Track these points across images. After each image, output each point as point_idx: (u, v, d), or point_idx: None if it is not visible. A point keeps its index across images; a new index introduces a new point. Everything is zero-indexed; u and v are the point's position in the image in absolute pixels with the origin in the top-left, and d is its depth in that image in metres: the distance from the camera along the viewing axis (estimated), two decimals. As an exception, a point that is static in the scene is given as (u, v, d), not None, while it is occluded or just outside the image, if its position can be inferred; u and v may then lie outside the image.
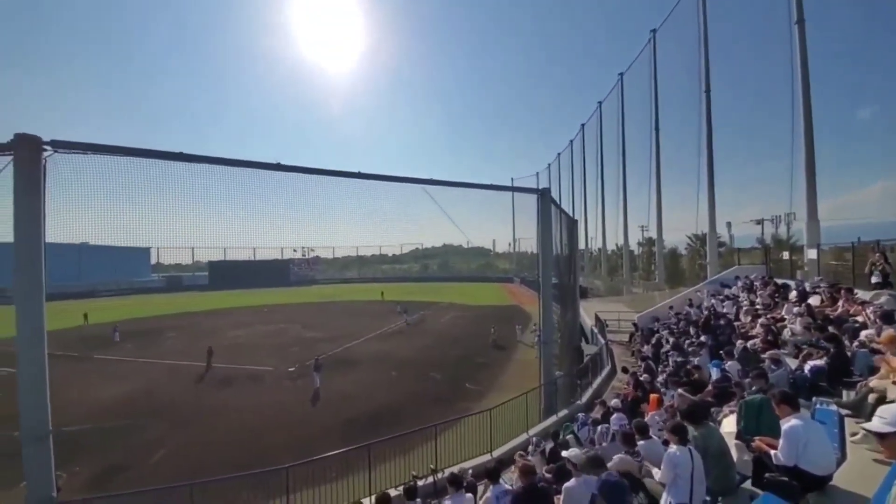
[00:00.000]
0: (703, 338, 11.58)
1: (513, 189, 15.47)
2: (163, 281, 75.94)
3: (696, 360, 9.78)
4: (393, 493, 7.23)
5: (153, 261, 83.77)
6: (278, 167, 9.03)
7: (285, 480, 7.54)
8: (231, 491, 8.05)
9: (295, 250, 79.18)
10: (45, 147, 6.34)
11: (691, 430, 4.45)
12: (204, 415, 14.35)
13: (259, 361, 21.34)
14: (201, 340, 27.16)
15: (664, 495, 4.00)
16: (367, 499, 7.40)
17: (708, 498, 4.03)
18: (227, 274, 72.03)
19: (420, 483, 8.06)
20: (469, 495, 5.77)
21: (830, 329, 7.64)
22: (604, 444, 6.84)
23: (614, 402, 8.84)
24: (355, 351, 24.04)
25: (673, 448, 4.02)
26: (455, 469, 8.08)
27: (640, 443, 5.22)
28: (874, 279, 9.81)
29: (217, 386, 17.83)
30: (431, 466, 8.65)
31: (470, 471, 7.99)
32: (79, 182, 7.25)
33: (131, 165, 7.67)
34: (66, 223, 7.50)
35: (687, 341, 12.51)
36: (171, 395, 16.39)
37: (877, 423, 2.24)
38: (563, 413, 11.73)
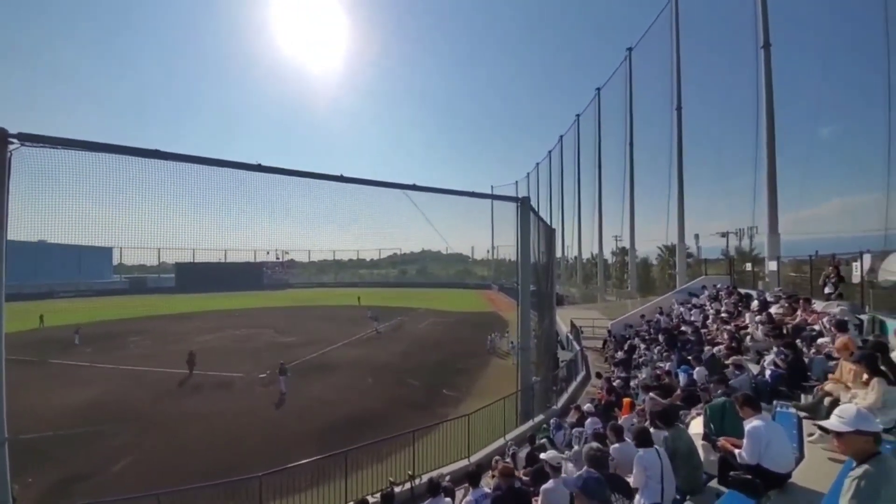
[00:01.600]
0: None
1: (493, 197, 15.73)
2: (126, 282, 72.70)
3: (665, 366, 10.15)
4: (371, 500, 7.17)
5: (115, 261, 79.95)
6: (259, 168, 8.88)
7: (258, 489, 7.34)
8: (201, 500, 7.76)
9: (268, 253, 77.17)
10: (12, 140, 6.04)
11: (661, 432, 4.66)
12: (171, 422, 13.77)
13: (229, 367, 20.67)
14: (167, 345, 26.14)
15: (637, 497, 4.15)
16: (344, 506, 7.30)
17: (678, 497, 4.20)
18: (195, 276, 69.43)
19: (397, 490, 8.02)
20: (448, 500, 5.79)
21: (786, 335, 8.11)
22: (576, 448, 7.00)
23: (587, 406, 9.06)
24: (330, 356, 23.63)
25: (641, 451, 4.19)
26: (433, 474, 8.07)
27: (614, 446, 5.38)
28: (827, 290, 10.47)
29: (185, 392, 17.17)
30: (409, 472, 8.61)
31: (448, 476, 8.00)
32: (41, 176, 6.91)
33: (97, 161, 7.34)
34: (23, 219, 7.09)
35: (657, 348, 12.96)
36: (136, 402, 15.65)
37: (835, 423, 2.42)
38: (539, 418, 11.90)
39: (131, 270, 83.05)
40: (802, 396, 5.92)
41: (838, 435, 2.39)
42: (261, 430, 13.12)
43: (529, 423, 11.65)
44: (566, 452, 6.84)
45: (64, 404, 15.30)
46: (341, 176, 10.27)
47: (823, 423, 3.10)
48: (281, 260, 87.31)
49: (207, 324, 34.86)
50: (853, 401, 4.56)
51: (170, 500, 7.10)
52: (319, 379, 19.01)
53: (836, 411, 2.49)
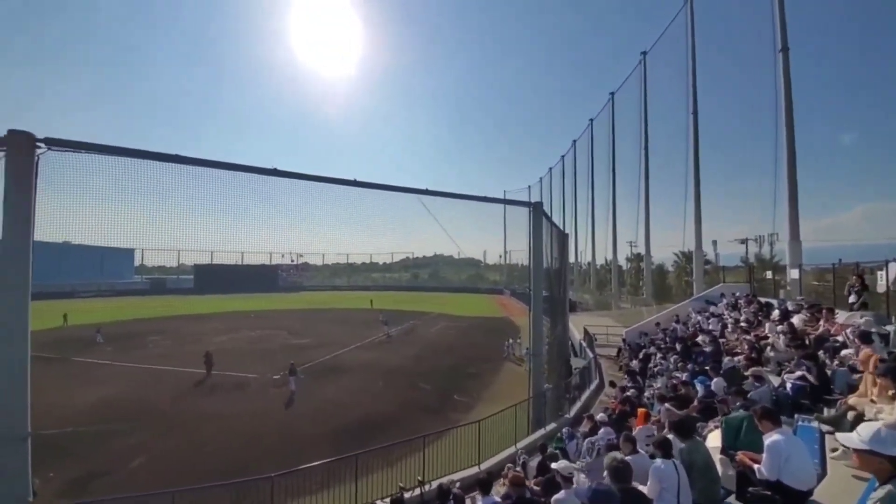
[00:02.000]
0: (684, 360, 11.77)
1: (505, 202, 15.68)
2: (146, 283, 74.55)
3: (682, 376, 9.92)
4: (379, 504, 7.17)
5: (137, 262, 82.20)
6: (275, 172, 9.05)
7: (269, 490, 7.41)
8: (213, 500, 7.86)
9: (283, 256, 78.34)
10: (39, 144, 6.29)
11: (678, 444, 4.55)
12: (186, 421, 14.02)
13: (244, 368, 20.97)
14: (185, 345, 26.67)
15: (651, 509, 4.05)
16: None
17: (694, 511, 4.09)
18: (213, 278, 70.81)
19: (407, 495, 8.01)
20: (457, 507, 5.75)
21: (808, 346, 7.86)
22: (587, 459, 6.88)
23: (601, 416, 8.91)
24: (343, 359, 23.78)
25: (658, 461, 4.09)
26: (443, 481, 8.03)
27: (628, 457, 5.27)
28: (851, 299, 10.13)
29: (201, 392, 17.46)
30: (419, 478, 8.58)
31: (458, 483, 7.95)
32: (68, 180, 7.16)
33: (121, 165, 7.58)
34: (50, 221, 7.35)
35: (673, 357, 12.69)
36: (153, 401, 15.99)
37: (853, 438, 2.38)
38: (551, 426, 11.75)
39: (152, 272, 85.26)
40: (825, 410, 5.72)
41: (856, 451, 2.35)
42: (274, 431, 13.25)
43: (541, 432, 11.51)
44: (578, 463, 6.73)
45: (84, 402, 15.72)
46: (355, 181, 10.39)
47: (840, 435, 3.00)
48: (295, 263, 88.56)
49: (224, 325, 35.48)
50: (878, 416, 4.39)
51: (184, 499, 7.20)
52: (332, 381, 19.14)
53: (859, 427, 2.43)
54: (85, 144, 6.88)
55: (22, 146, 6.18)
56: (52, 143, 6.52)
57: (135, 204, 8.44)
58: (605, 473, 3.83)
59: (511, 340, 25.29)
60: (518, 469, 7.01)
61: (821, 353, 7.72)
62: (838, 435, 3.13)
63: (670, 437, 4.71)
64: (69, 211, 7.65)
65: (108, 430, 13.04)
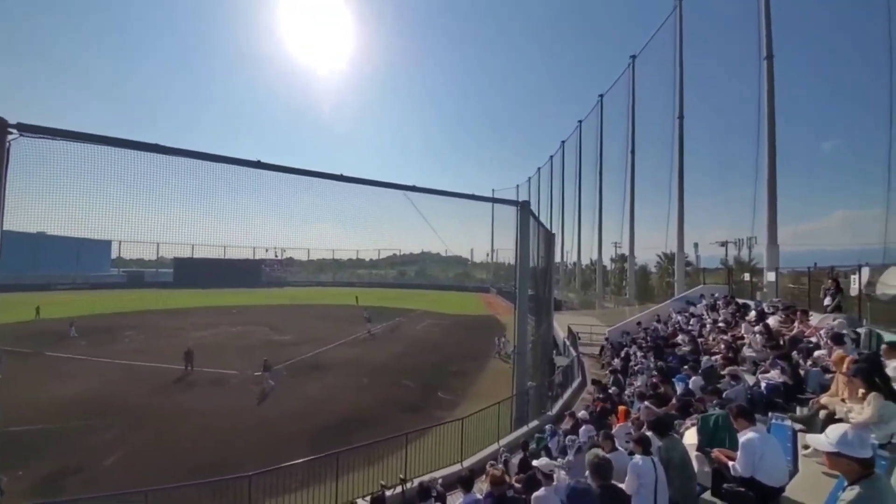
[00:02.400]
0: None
1: (493, 200, 15.69)
2: (123, 276, 72.50)
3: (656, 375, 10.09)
4: (360, 503, 7.12)
5: (114, 255, 79.89)
6: (258, 165, 8.86)
7: (247, 489, 7.28)
8: (189, 499, 7.69)
9: (267, 250, 77.31)
10: (11, 130, 6.02)
11: (656, 441, 4.62)
12: (163, 418, 13.69)
13: (224, 364, 20.59)
14: (162, 340, 26.05)
15: (629, 506, 4.10)
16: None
17: (670, 507, 4.15)
18: (193, 272, 69.36)
19: (389, 493, 7.97)
20: (438, 505, 5.74)
21: (783, 347, 8.08)
22: (569, 457, 6.95)
23: (582, 413, 9.01)
24: (326, 356, 23.55)
25: (637, 458, 4.15)
26: (425, 478, 8.02)
27: (608, 454, 5.34)
28: (826, 302, 10.45)
29: (178, 389, 17.08)
30: (401, 476, 8.55)
31: (440, 480, 7.94)
32: (42, 168, 6.89)
33: (98, 153, 7.32)
34: (24, 210, 7.07)
35: (653, 356, 12.90)
36: (128, 397, 15.57)
37: (822, 440, 2.45)
38: (534, 424, 11.84)
39: (129, 264, 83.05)
40: (798, 409, 5.88)
41: (825, 452, 2.42)
42: (253, 429, 13.04)
43: (524, 429, 11.59)
44: (560, 460, 6.79)
45: (56, 397, 15.21)
46: (341, 175, 10.26)
47: (810, 437, 3.09)
48: (279, 258, 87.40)
49: (204, 320, 34.75)
50: (849, 415, 4.53)
51: (158, 498, 7.03)
52: (314, 378, 18.94)
53: (828, 430, 2.50)
54: (59, 131, 6.62)
55: (-10, 131, 5.90)
56: (25, 129, 6.25)
57: (113, 194, 8.16)
58: (587, 470, 3.86)
59: (504, 338, 25.39)
60: (500, 466, 7.03)
61: (795, 353, 7.94)
62: (808, 437, 3.21)
63: (649, 434, 4.78)
64: (44, 200, 7.36)
65: (82, 427, 12.64)
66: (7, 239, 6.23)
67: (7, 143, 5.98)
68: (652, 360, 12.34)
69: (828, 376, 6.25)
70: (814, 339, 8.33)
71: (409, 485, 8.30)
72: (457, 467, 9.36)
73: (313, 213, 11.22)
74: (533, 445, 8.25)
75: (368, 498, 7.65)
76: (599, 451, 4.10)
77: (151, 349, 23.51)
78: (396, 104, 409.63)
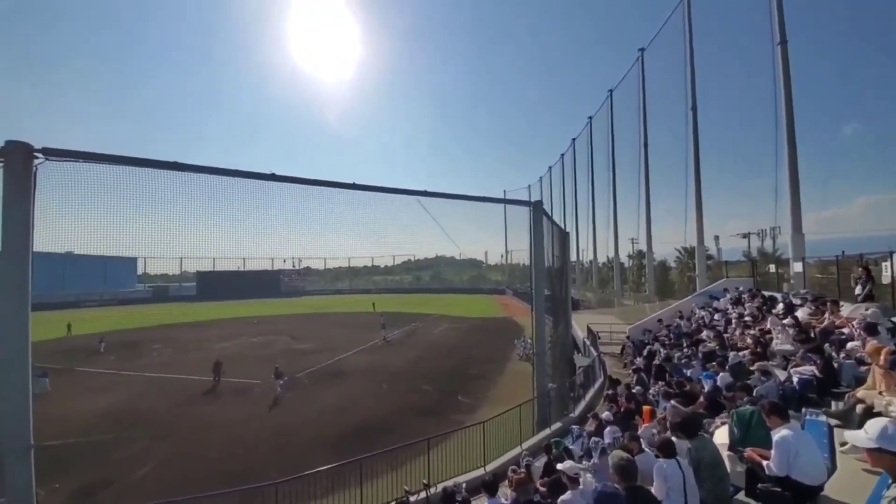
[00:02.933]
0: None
1: (505, 201, 15.64)
2: (149, 291, 74.57)
3: (688, 372, 9.85)
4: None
5: (140, 271, 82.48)
6: (272, 177, 9.03)
7: (274, 496, 7.36)
8: (218, 507, 7.83)
9: (285, 261, 78.62)
10: (37, 154, 6.28)
11: (685, 443, 4.49)
12: (191, 429, 13.99)
13: (247, 374, 20.93)
14: (188, 352, 26.68)
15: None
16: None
17: (702, 510, 4.03)
18: (215, 285, 71.09)
19: (412, 499, 7.96)
20: (463, 510, 5.70)
21: (813, 340, 7.79)
22: (594, 460, 6.82)
23: (606, 414, 8.85)
24: (346, 363, 23.74)
25: (661, 461, 4.05)
26: (448, 484, 7.98)
27: (635, 456, 5.22)
28: (857, 291, 10.04)
29: (205, 399, 17.44)
30: (424, 481, 8.52)
31: (464, 485, 7.89)
32: (67, 190, 7.18)
33: (121, 173, 7.60)
34: (52, 231, 7.38)
35: (678, 353, 12.60)
36: (156, 409, 15.97)
37: (861, 437, 2.33)
38: (556, 426, 11.68)
39: (154, 279, 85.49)
40: (833, 403, 5.66)
41: (866, 449, 2.30)
42: (277, 437, 13.21)
43: (546, 431, 11.44)
44: (584, 462, 6.67)
45: (87, 411, 15.69)
46: (353, 184, 10.36)
47: (848, 434, 2.95)
48: (297, 268, 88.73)
49: (226, 331, 35.48)
50: (889, 408, 4.33)
51: (188, 507, 7.17)
52: (335, 385, 19.10)
53: (867, 425, 2.38)
54: (82, 154, 6.88)
55: (20, 156, 6.17)
56: (50, 152, 6.51)
57: (136, 212, 8.45)
58: (611, 472, 3.78)
59: (525, 339, 25.11)
60: (521, 470, 6.94)
61: (826, 345, 7.65)
62: (846, 434, 3.07)
63: (675, 437, 4.66)
64: (71, 221, 7.67)
65: (112, 440, 13.01)
66: (37, 259, 6.49)
67: (34, 168, 6.24)
68: (676, 357, 12.04)
69: (863, 368, 6.00)
70: (846, 331, 8.02)
71: (432, 490, 8.27)
72: (480, 472, 9.29)
73: (328, 222, 11.38)
74: (556, 449, 8.13)
75: (394, 503, 7.67)
76: (623, 453, 4.01)
77: (178, 362, 24.10)
78: (404, 109, 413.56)
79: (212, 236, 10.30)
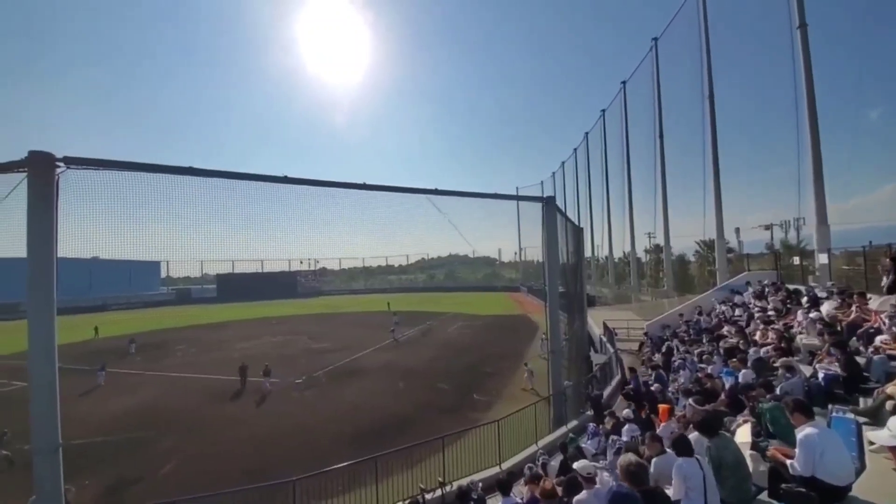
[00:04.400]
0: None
1: (518, 198, 15.52)
2: (172, 294, 76.74)
3: (708, 369, 9.61)
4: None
5: (163, 274, 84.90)
6: (285, 180, 9.15)
7: (292, 493, 7.48)
8: (238, 504, 8.00)
9: (301, 262, 79.79)
10: (58, 164, 6.49)
11: (705, 441, 4.37)
12: (213, 427, 14.34)
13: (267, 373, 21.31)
14: (210, 353, 27.35)
15: (679, 509, 3.90)
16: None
17: (723, 510, 3.92)
18: (235, 286, 72.73)
19: (428, 496, 7.99)
20: (478, 508, 5.68)
21: (840, 334, 7.50)
22: (611, 458, 6.71)
23: (626, 412, 8.69)
24: (362, 361, 23.98)
25: (680, 460, 3.95)
26: (464, 482, 7.98)
27: (654, 459, 5.09)
28: (884, 282, 9.64)
29: (225, 398, 17.84)
30: (440, 479, 8.55)
31: (480, 483, 7.87)
32: (90, 197, 7.42)
33: (141, 180, 7.83)
34: (78, 238, 7.65)
35: (698, 350, 12.31)
36: (181, 408, 16.42)
37: (884, 435, 2.22)
38: (573, 423, 11.57)
39: (177, 282, 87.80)
40: (861, 400, 5.43)
41: (890, 448, 2.18)
42: (296, 435, 13.43)
43: (563, 429, 11.33)
44: (601, 461, 6.58)
45: (115, 411, 16.23)
46: (364, 184, 10.43)
47: (872, 434, 2.82)
48: (313, 269, 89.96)
49: (247, 332, 36.23)
50: (921, 406, 4.14)
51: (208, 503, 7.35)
52: (352, 384, 19.31)
53: (890, 421, 2.26)
54: (101, 161, 7.08)
55: (42, 166, 6.40)
56: (71, 161, 6.73)
57: (157, 217, 8.71)
58: (621, 476, 3.70)
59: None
60: (539, 470, 6.89)
61: (854, 340, 7.36)
62: (870, 434, 2.93)
63: (692, 434, 4.54)
64: (96, 227, 7.93)
65: (139, 438, 13.43)
66: (64, 265, 6.72)
67: (56, 177, 6.45)
68: (696, 353, 11.76)
69: (894, 363, 5.75)
70: (875, 324, 7.70)
71: (448, 488, 8.28)
72: (495, 470, 9.27)
73: (341, 223, 11.49)
74: (571, 448, 8.05)
75: (408, 501, 7.71)
76: (632, 457, 3.91)
77: (201, 362, 24.73)
78: (414, 109, 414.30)
79: (230, 239, 10.56)
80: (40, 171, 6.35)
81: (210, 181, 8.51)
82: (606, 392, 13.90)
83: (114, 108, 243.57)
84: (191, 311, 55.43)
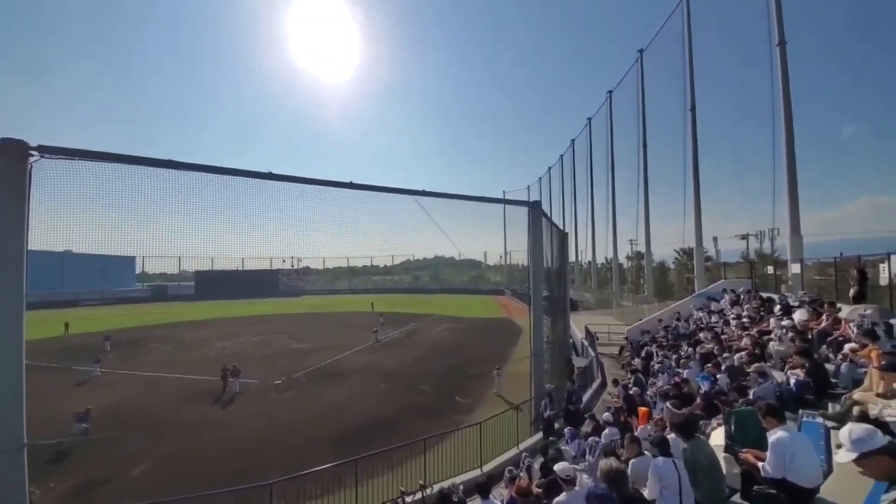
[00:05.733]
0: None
1: (504, 202, 15.62)
2: (147, 290, 74.39)
3: (684, 373, 9.83)
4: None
5: (138, 270, 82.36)
6: (269, 176, 9.00)
7: (268, 497, 7.33)
8: (213, 507, 7.80)
9: (284, 260, 78.37)
10: (32, 152, 6.24)
11: (680, 444, 4.47)
12: (187, 428, 13.95)
13: (245, 373, 20.86)
14: (186, 352, 26.64)
15: (653, 509, 3.97)
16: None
17: (697, 511, 4.01)
18: (214, 284, 70.78)
19: (408, 499, 7.93)
20: (458, 511, 5.67)
21: (810, 342, 7.78)
22: (590, 459, 6.80)
23: (606, 415, 8.81)
24: (344, 362, 23.71)
25: (658, 459, 4.03)
26: (445, 484, 7.94)
27: (633, 460, 5.17)
28: (851, 293, 10.05)
29: (201, 398, 17.39)
30: (420, 482, 8.50)
31: (461, 486, 7.85)
32: (64, 188, 7.15)
33: (118, 172, 7.59)
34: (49, 230, 7.36)
35: (675, 355, 12.58)
36: (155, 408, 15.94)
37: (842, 455, 2.31)
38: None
39: (153, 279, 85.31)
40: (830, 405, 5.64)
41: (854, 461, 2.27)
42: (275, 437, 13.18)
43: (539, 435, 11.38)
44: (581, 463, 6.66)
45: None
46: (351, 183, 10.33)
47: (835, 455, 2.92)
48: (296, 267, 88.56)
49: (226, 330, 35.41)
50: (885, 412, 4.32)
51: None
52: (333, 385, 19.07)
53: (840, 437, 2.35)
54: (77, 151, 6.84)
55: (14, 154, 6.14)
56: (46, 150, 6.47)
57: (134, 211, 8.44)
58: (601, 481, 3.75)
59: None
60: (522, 474, 6.92)
61: (824, 347, 7.63)
62: (835, 456, 3.04)
63: (671, 436, 4.63)
64: (69, 220, 7.66)
65: (110, 438, 12.96)
66: (34, 258, 6.45)
67: (29, 166, 6.21)
68: (674, 358, 12.02)
69: (861, 370, 5.99)
70: (844, 333, 8.00)
71: (428, 491, 8.24)
72: (477, 472, 9.27)
73: (326, 222, 11.35)
74: (551, 450, 8.11)
75: (389, 504, 7.64)
76: (612, 462, 3.97)
77: (177, 361, 24.05)
78: (404, 109, 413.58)
79: (210, 235, 10.30)
80: (13, 159, 6.09)
81: (189, 176, 8.28)
82: (586, 395, 14.06)
83: (97, 103, 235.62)
84: (167, 309, 53.85)
